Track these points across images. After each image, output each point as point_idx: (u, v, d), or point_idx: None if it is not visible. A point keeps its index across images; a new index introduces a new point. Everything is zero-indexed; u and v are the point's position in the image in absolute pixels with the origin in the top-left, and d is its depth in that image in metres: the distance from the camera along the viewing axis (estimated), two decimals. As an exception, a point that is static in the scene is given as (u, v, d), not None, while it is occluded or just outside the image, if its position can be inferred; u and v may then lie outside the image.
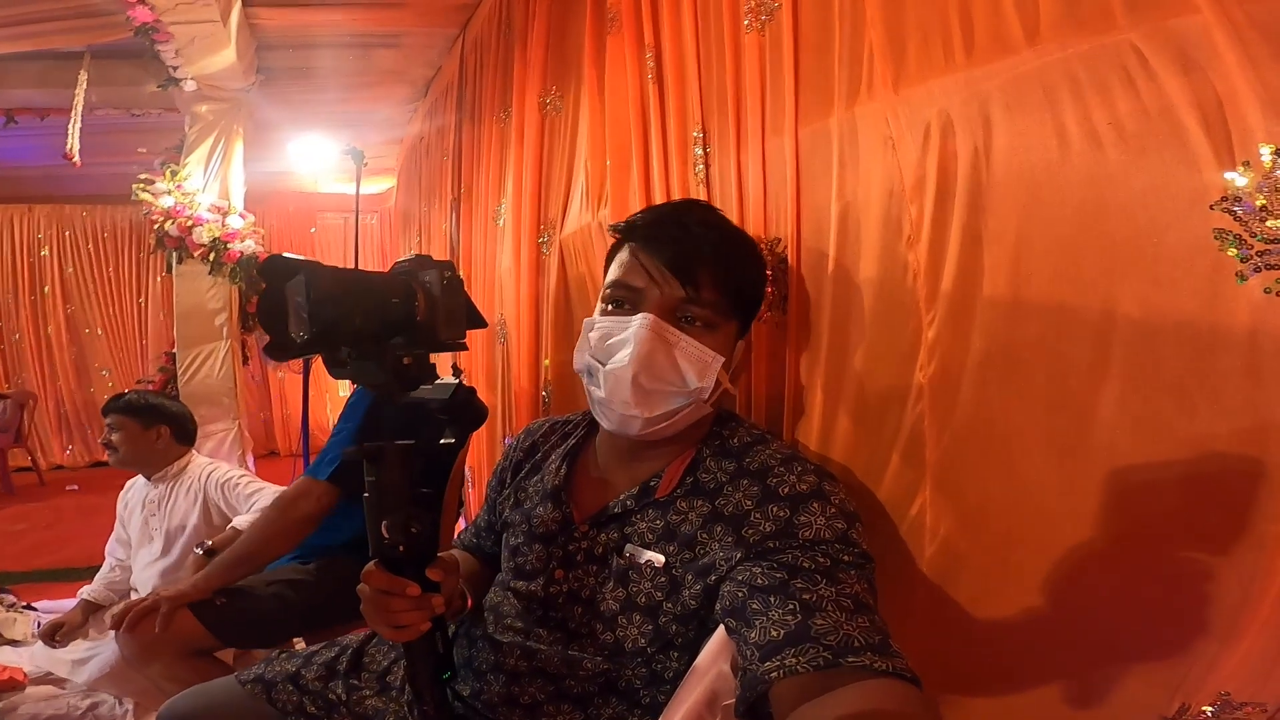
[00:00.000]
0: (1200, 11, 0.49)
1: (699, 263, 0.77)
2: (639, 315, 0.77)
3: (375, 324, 0.67)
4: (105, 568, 2.03)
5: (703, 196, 1.11)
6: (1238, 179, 0.48)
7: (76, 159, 3.04)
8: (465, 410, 0.75)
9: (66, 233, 5.52)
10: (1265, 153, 0.46)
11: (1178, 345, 0.53)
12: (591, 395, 0.82)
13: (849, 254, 0.83)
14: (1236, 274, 0.48)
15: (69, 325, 5.57)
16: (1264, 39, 0.46)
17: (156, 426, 1.96)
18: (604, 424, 0.81)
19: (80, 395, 5.59)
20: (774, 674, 0.56)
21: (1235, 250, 0.48)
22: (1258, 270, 0.47)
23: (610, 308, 0.81)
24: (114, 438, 1.91)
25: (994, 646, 0.71)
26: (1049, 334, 0.62)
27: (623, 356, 0.76)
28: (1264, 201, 0.46)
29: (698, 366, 0.77)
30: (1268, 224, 0.46)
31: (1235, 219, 0.48)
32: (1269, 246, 0.46)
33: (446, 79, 3.09)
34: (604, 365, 0.78)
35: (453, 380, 0.76)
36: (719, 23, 1.05)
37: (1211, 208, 0.49)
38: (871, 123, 0.79)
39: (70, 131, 3.02)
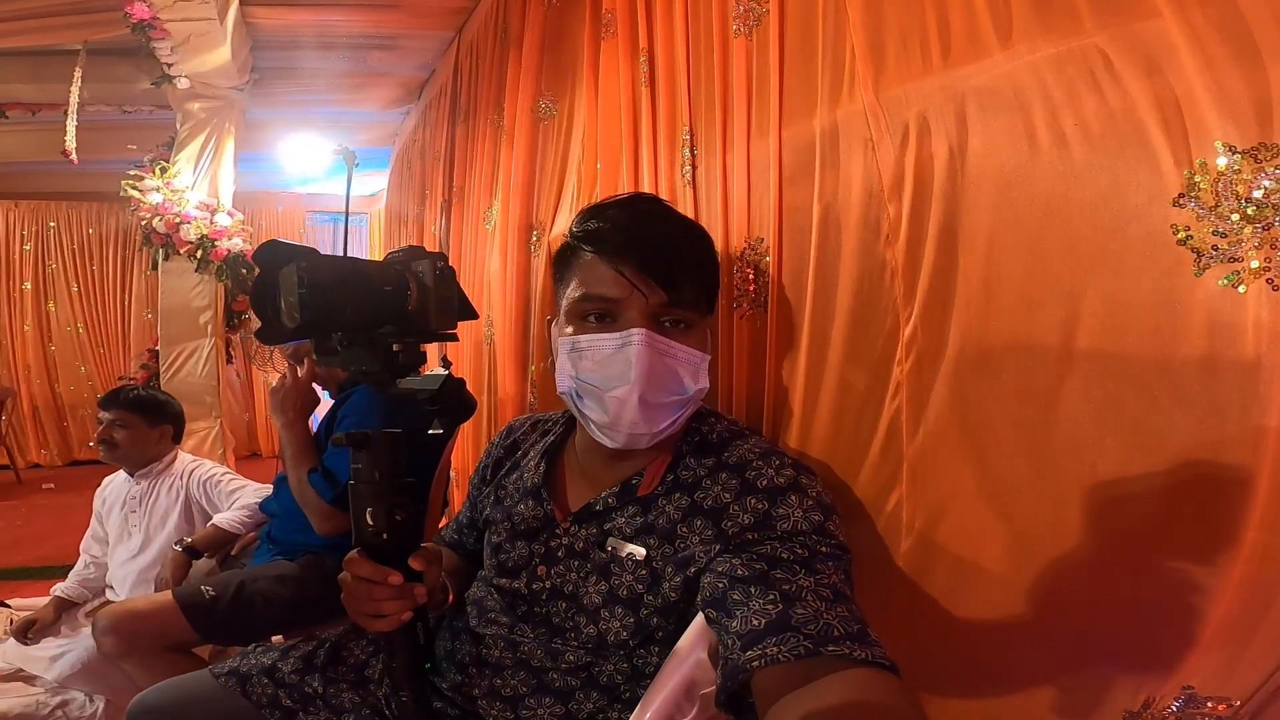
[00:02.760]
0: (1162, 15, 0.51)
1: (675, 264, 0.76)
2: (631, 331, 0.74)
3: (367, 312, 0.67)
4: (80, 565, 2.01)
5: (689, 198, 1.12)
6: (1194, 176, 0.50)
7: (74, 157, 3.01)
8: (454, 401, 0.76)
9: (51, 227, 5.46)
10: (1220, 150, 0.48)
11: (1139, 337, 0.55)
12: (587, 417, 0.78)
13: (829, 253, 0.85)
14: (1193, 267, 0.50)
15: (49, 322, 5.50)
16: (1222, 40, 0.48)
17: (162, 425, 1.95)
18: (607, 443, 0.78)
19: (59, 393, 5.51)
20: (755, 663, 0.57)
21: (1192, 245, 0.50)
22: (1213, 264, 0.49)
23: (587, 322, 0.78)
24: (116, 434, 1.88)
25: (966, 640, 0.72)
26: (1019, 329, 0.64)
27: (625, 378, 0.73)
28: (1219, 197, 0.48)
29: (691, 370, 0.77)
30: (1223, 219, 0.48)
31: (1192, 214, 0.50)
32: (1224, 241, 0.48)
33: (440, 81, 3.10)
34: (604, 389, 0.75)
35: (442, 371, 0.76)
36: (709, 27, 1.07)
37: (1171, 204, 0.51)
38: (852, 124, 0.81)
39: (68, 128, 2.99)
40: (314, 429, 1.64)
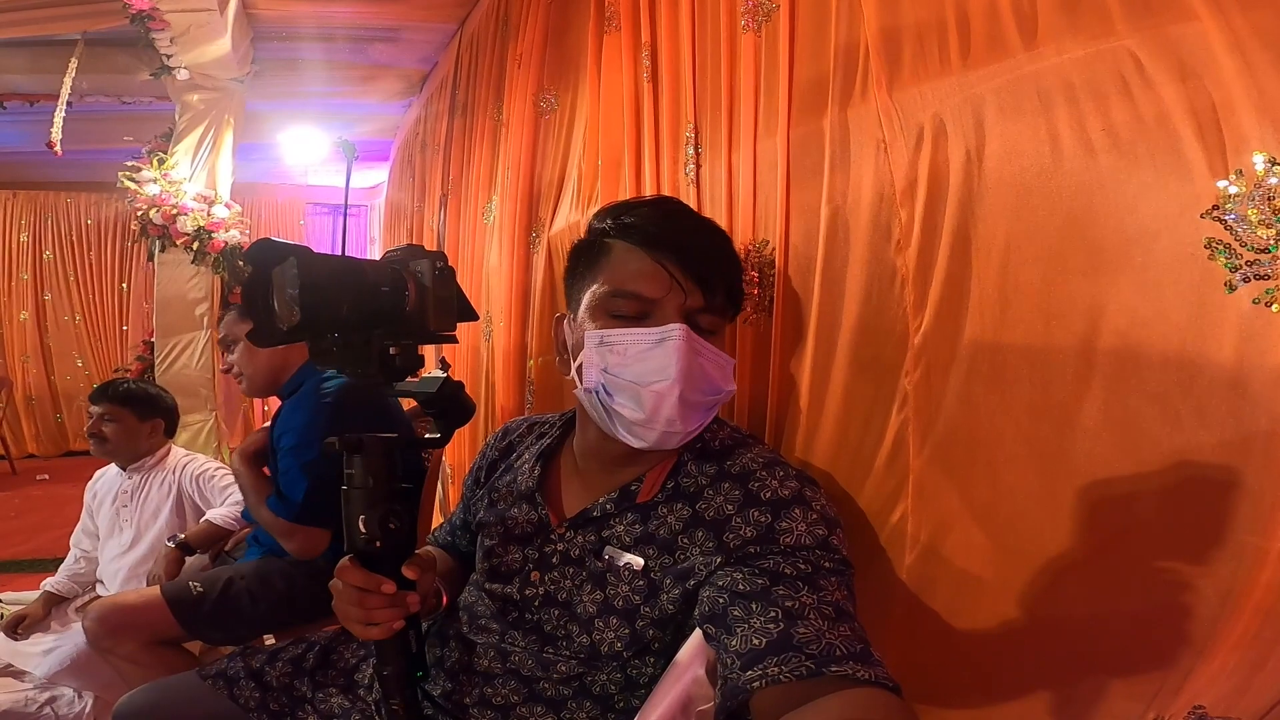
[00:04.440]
0: (1200, 19, 0.49)
1: (712, 268, 0.75)
2: (672, 326, 0.72)
3: (363, 312, 0.65)
4: (70, 559, 1.98)
5: (692, 197, 1.10)
6: (1230, 187, 0.48)
7: (58, 149, 2.99)
8: (452, 404, 0.74)
9: (49, 219, 5.45)
10: (1259, 161, 0.46)
11: (1163, 354, 0.53)
12: (617, 414, 0.75)
13: (837, 257, 0.83)
14: (1225, 284, 0.48)
15: (45, 312, 5.48)
16: (1263, 46, 0.46)
17: (153, 419, 1.92)
18: (635, 443, 0.75)
19: (54, 383, 5.50)
20: (756, 683, 0.55)
21: (1225, 259, 0.48)
22: (1246, 280, 0.47)
23: (619, 318, 0.74)
24: (106, 428, 1.85)
25: (969, 656, 0.71)
26: (1035, 342, 0.62)
27: (665, 373, 0.71)
28: (1255, 210, 0.46)
29: (721, 372, 0.75)
30: (1258, 233, 0.46)
31: (1226, 228, 0.48)
32: (1259, 256, 0.46)
33: (442, 74, 3.08)
34: (641, 385, 0.72)
35: (440, 374, 0.74)
36: (716, 22, 1.05)
37: (1202, 216, 0.49)
38: (864, 125, 0.79)
39: (55, 120, 2.98)
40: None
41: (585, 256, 0.80)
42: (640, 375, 0.73)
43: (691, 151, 1.11)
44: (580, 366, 0.77)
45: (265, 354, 1.54)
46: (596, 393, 0.76)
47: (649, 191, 1.24)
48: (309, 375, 1.52)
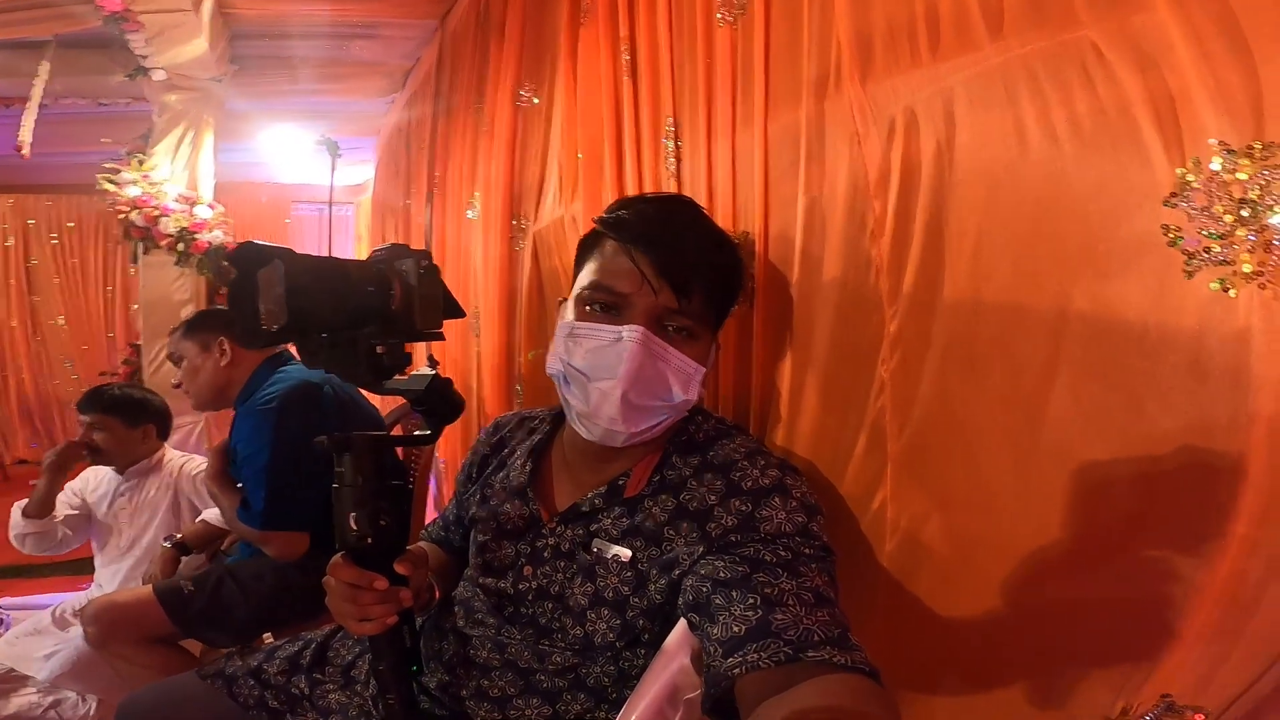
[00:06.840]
0: (1158, 9, 0.49)
1: (693, 271, 0.75)
2: (629, 327, 0.73)
3: (349, 313, 0.65)
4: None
5: (674, 190, 1.10)
6: (1187, 175, 0.48)
7: (26, 151, 2.95)
8: (441, 401, 0.74)
9: (30, 222, 5.38)
10: (1215, 148, 0.47)
11: (1126, 341, 0.54)
12: (569, 404, 0.78)
13: (814, 248, 0.84)
14: (1184, 270, 0.49)
15: (33, 317, 5.42)
16: (1219, 34, 0.47)
17: (144, 424, 1.91)
18: (583, 434, 0.78)
19: (44, 388, 5.45)
20: (736, 670, 0.56)
21: (1183, 246, 0.49)
22: (1204, 266, 0.48)
23: (591, 310, 0.77)
24: (98, 438, 1.83)
25: (949, 641, 0.72)
26: (1006, 329, 0.63)
27: (612, 372, 0.73)
28: (1211, 197, 0.47)
29: (682, 379, 0.76)
30: (1214, 220, 0.47)
31: (1184, 215, 0.49)
32: (1215, 242, 0.47)
33: (424, 70, 3.05)
34: (590, 379, 0.74)
35: (429, 371, 0.75)
36: (692, 16, 1.05)
37: (1162, 204, 0.50)
38: (838, 117, 0.79)
39: (23, 122, 2.94)
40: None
41: (584, 246, 0.83)
42: (590, 369, 0.75)
43: (672, 145, 1.11)
44: (549, 352, 0.80)
45: (207, 373, 1.60)
46: (556, 379, 0.79)
47: (631, 184, 1.24)
48: (259, 384, 1.53)
